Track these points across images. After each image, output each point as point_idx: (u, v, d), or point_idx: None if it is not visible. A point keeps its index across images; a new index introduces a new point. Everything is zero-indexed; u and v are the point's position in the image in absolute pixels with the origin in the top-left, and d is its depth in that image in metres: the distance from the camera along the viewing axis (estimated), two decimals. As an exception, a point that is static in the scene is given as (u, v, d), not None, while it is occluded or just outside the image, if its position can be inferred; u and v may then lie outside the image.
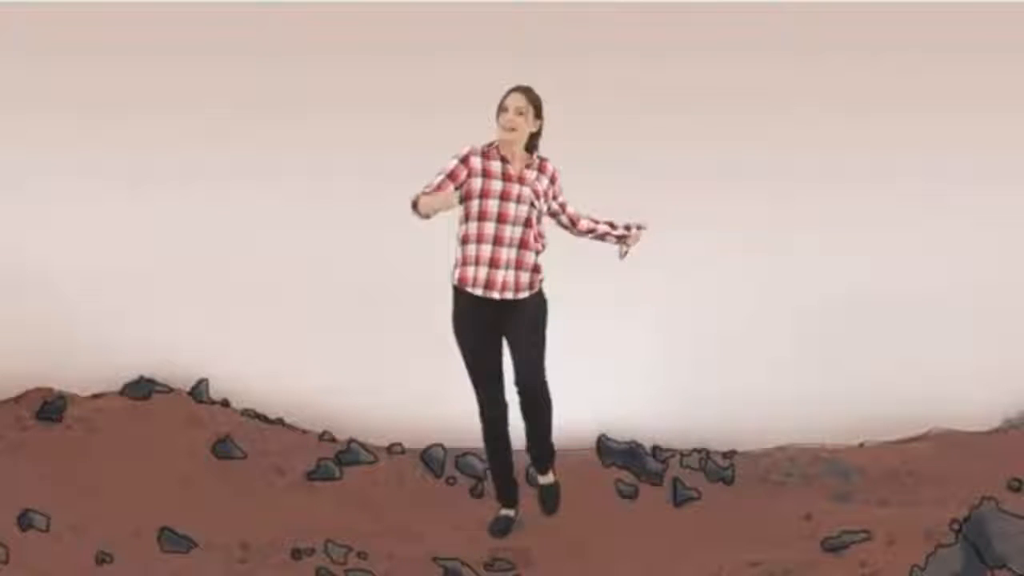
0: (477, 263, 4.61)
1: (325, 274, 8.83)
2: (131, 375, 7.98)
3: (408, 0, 8.76)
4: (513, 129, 4.52)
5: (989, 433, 8.69)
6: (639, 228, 4.84)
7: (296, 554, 4.88)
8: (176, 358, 8.21)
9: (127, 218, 8.77)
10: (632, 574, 4.44)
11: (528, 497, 5.16)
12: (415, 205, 4.48)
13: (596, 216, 4.85)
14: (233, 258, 8.75)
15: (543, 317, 4.75)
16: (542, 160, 4.66)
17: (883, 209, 9.17)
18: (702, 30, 8.89)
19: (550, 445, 5.01)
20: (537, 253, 4.64)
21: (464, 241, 4.66)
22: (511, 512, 5.06)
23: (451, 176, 4.67)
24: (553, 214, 4.75)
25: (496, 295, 4.61)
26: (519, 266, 4.62)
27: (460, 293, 4.66)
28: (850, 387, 8.71)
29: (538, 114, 4.57)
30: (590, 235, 4.86)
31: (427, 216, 4.53)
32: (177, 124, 8.86)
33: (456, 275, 4.67)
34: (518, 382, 4.74)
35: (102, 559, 4.64)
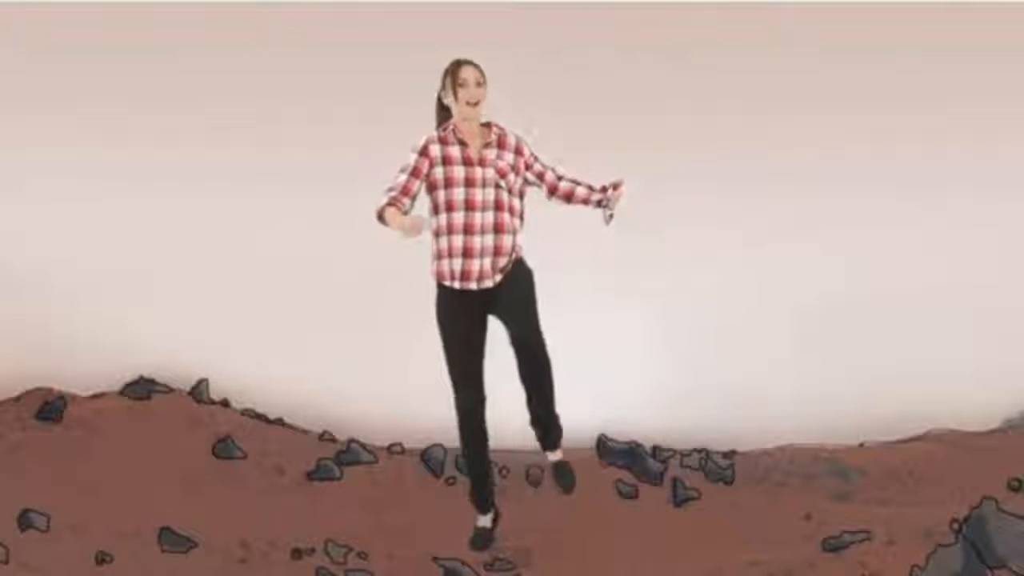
0: (451, 255, 4.50)
1: (325, 274, 8.84)
2: (131, 375, 7.99)
3: (409, 0, 8.77)
4: (479, 102, 4.47)
5: (989, 433, 8.69)
6: (615, 188, 4.35)
7: (296, 554, 4.88)
8: (176, 358, 8.22)
9: (127, 218, 8.79)
10: (632, 574, 4.44)
11: (528, 498, 5.17)
12: (380, 217, 4.41)
13: (577, 178, 4.41)
14: (233, 258, 8.77)
15: (531, 289, 4.61)
16: (500, 135, 4.33)
17: (883, 209, 9.18)
18: (702, 30, 8.89)
19: (556, 417, 4.86)
20: (514, 233, 4.49)
21: (437, 234, 4.54)
22: (487, 522, 4.93)
23: (414, 173, 4.54)
24: (531, 185, 4.32)
25: (473, 286, 4.49)
26: (497, 252, 4.45)
27: (440, 287, 4.60)
28: (850, 387, 8.71)
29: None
30: (571, 201, 4.39)
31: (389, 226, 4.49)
32: (177, 124, 8.87)
33: (434, 269, 4.59)
34: (513, 340, 4.60)
35: (102, 559, 4.64)
